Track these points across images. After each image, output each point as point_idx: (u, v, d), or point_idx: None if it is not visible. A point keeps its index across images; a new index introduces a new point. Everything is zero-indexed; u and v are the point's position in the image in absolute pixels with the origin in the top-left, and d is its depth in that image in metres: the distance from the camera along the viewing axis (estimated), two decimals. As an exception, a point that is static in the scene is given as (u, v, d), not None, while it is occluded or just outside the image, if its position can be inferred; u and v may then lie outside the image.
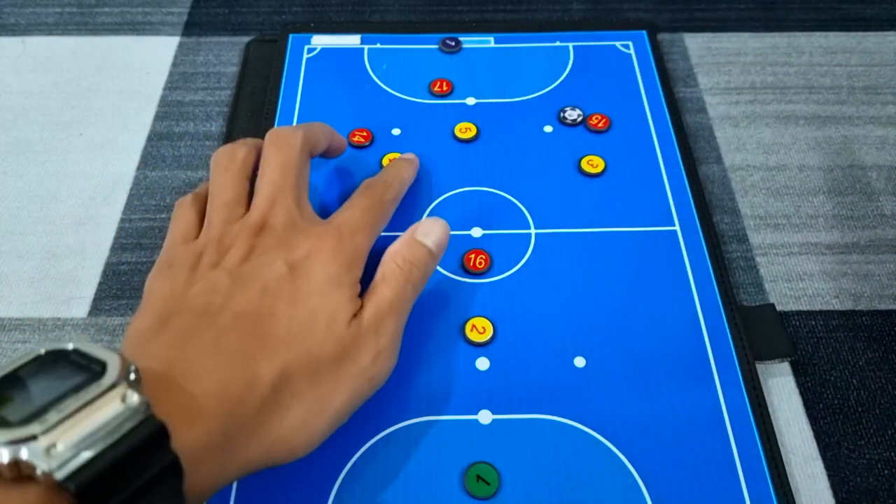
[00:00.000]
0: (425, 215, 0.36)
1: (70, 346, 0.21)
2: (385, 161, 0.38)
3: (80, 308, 0.35)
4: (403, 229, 0.35)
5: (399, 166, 0.35)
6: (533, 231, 0.36)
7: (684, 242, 0.35)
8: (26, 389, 0.20)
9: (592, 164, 0.38)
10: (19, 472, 0.19)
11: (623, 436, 0.29)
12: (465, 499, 0.28)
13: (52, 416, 0.19)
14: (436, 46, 0.44)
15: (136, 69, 0.45)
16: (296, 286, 0.27)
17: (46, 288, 0.36)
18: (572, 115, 0.40)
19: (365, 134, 0.39)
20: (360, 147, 0.39)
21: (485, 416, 0.30)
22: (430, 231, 0.31)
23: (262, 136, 0.39)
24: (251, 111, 0.42)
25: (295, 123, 0.40)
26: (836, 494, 0.29)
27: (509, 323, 0.33)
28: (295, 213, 0.30)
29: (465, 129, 0.40)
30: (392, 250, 0.30)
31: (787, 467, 0.29)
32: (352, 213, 0.30)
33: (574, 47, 0.44)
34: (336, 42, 0.45)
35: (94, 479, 0.18)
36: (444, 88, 0.42)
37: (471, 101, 0.42)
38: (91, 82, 0.45)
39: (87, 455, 0.19)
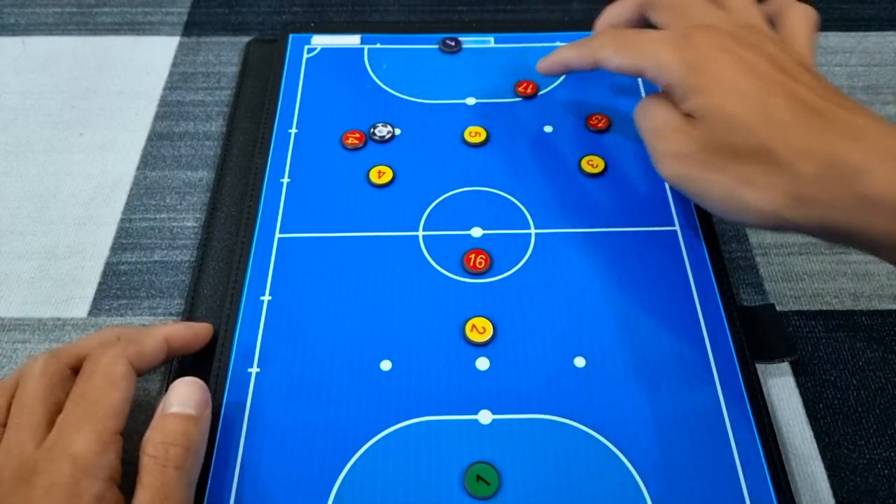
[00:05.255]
0: (426, 215, 0.36)
1: None
2: (375, 173, 0.38)
3: (79, 308, 0.35)
4: (404, 229, 0.36)
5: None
6: (533, 231, 0.36)
7: (684, 242, 0.35)
8: None
9: (592, 164, 0.38)
10: None
11: (623, 436, 0.29)
12: (465, 499, 0.28)
13: None
14: (436, 46, 0.44)
15: (136, 69, 0.45)
16: None
17: (46, 288, 0.36)
18: None
19: (359, 136, 0.39)
20: (355, 149, 0.39)
21: (485, 416, 0.30)
22: (179, 398, 0.28)
23: (262, 137, 0.40)
24: (251, 111, 0.42)
25: (295, 124, 0.40)
26: (836, 494, 0.29)
27: (509, 323, 0.33)
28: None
29: (474, 134, 0.40)
30: (144, 439, 0.27)
31: (787, 467, 0.29)
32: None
33: (574, 47, 0.44)
34: (336, 42, 0.45)
35: None
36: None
37: (471, 101, 0.42)
38: (91, 82, 0.45)
39: None
